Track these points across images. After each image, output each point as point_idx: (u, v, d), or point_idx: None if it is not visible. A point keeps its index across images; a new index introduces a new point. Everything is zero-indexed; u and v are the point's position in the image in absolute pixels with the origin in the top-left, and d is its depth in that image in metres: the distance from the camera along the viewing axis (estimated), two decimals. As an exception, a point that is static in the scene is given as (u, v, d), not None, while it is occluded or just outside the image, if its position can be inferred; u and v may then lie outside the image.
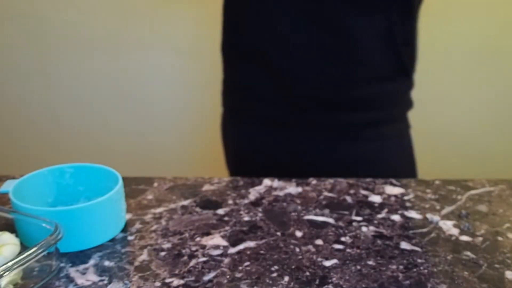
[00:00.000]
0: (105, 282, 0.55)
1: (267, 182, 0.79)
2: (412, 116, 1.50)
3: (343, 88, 0.84)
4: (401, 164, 0.94)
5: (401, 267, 0.58)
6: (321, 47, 0.82)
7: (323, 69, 0.83)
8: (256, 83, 0.89)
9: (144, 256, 0.59)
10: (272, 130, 0.91)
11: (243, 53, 0.91)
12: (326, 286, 0.54)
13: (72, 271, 0.56)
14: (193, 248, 0.61)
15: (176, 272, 0.56)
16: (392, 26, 0.83)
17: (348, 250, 0.61)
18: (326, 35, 0.81)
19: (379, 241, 0.63)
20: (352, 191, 0.77)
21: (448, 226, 0.67)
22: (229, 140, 1.02)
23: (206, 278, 0.55)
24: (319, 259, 0.59)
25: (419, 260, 0.59)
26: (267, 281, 0.55)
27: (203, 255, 0.60)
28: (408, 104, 0.94)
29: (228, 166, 1.07)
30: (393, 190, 0.77)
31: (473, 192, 0.77)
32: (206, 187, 0.78)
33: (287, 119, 0.89)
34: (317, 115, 0.87)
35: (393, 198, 0.75)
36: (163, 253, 0.60)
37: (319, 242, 0.63)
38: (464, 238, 0.64)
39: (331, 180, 0.80)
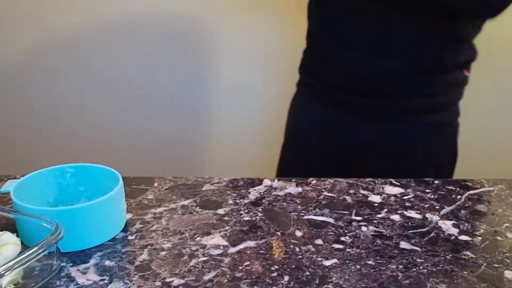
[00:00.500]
0: (106, 281, 0.55)
1: (267, 182, 0.80)
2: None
3: (389, 80, 0.94)
4: (448, 148, 1.03)
5: (400, 266, 0.58)
6: (377, 47, 0.92)
7: (371, 61, 0.93)
8: (319, 70, 1.02)
9: (144, 255, 0.60)
10: (337, 111, 1.00)
11: (318, 49, 1.03)
12: (326, 286, 0.54)
13: (73, 271, 0.57)
14: (193, 248, 0.61)
15: (177, 271, 0.57)
16: (436, 30, 0.91)
17: (348, 249, 0.61)
18: (380, 37, 0.91)
19: (378, 241, 0.63)
20: (351, 191, 0.77)
21: (448, 226, 0.67)
22: (294, 115, 1.11)
23: (206, 277, 0.56)
24: (319, 258, 0.59)
25: (418, 260, 0.59)
26: (267, 280, 0.55)
27: (203, 255, 0.60)
28: (459, 95, 1.03)
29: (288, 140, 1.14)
30: (392, 190, 0.78)
31: (472, 192, 0.78)
32: (206, 187, 0.78)
33: (351, 103, 0.98)
34: (374, 101, 0.96)
35: (392, 198, 0.75)
36: (163, 253, 0.60)
37: (319, 242, 0.63)
38: (463, 237, 0.65)
39: (331, 180, 0.80)
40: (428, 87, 0.95)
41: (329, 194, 0.76)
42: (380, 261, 0.59)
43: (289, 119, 1.13)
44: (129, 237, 0.63)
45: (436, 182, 0.80)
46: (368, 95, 0.96)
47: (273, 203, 0.73)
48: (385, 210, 0.71)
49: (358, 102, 0.97)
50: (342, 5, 0.93)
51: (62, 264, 0.57)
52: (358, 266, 0.58)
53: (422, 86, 0.95)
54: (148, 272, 0.56)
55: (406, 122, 0.97)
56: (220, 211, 0.70)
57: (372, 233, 0.65)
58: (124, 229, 0.65)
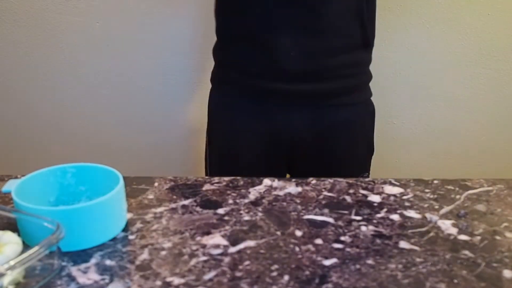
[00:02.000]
0: (106, 281, 0.55)
1: (267, 182, 0.80)
2: (412, 116, 1.51)
3: (318, 58, 0.99)
4: (369, 125, 1.13)
5: (400, 266, 0.58)
6: (298, 23, 0.96)
7: (301, 41, 0.97)
8: (246, 60, 1.02)
9: (145, 255, 0.60)
10: (257, 100, 1.04)
11: (233, 33, 1.04)
12: (325, 285, 0.55)
13: (74, 270, 0.57)
14: (194, 248, 0.62)
15: (177, 271, 0.57)
16: (360, 4, 0.99)
17: (348, 249, 0.62)
18: (302, 12, 0.95)
19: (378, 241, 0.64)
20: (351, 191, 0.77)
21: (447, 226, 0.68)
22: (218, 114, 1.12)
23: (206, 277, 0.56)
24: (319, 258, 0.60)
25: (418, 259, 0.60)
26: (267, 280, 0.55)
27: (204, 254, 0.60)
28: (370, 75, 1.11)
29: (211, 142, 1.15)
30: (392, 189, 0.78)
31: (471, 191, 0.78)
32: (207, 187, 0.78)
33: (273, 90, 1.01)
34: (298, 85, 1.00)
35: (392, 198, 0.75)
36: (163, 252, 0.60)
37: (318, 241, 0.63)
38: (463, 237, 0.65)
39: (331, 180, 0.81)
40: (353, 67, 1.04)
41: (329, 194, 0.76)
42: (379, 261, 0.59)
43: (215, 118, 1.13)
44: (130, 237, 0.64)
45: (435, 182, 0.81)
46: (296, 80, 0.99)
47: (273, 203, 0.73)
48: (385, 209, 0.72)
49: (287, 89, 1.00)
50: None
51: (63, 264, 0.58)
52: (357, 266, 0.58)
53: (348, 65, 1.02)
54: (149, 272, 0.57)
55: (335, 104, 1.04)
56: (220, 211, 0.71)
57: (371, 233, 0.65)
58: (125, 229, 0.65)
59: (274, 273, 0.57)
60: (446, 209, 0.72)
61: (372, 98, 1.12)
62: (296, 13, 0.95)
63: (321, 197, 0.75)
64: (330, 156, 1.07)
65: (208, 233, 0.65)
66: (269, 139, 1.05)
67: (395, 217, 0.70)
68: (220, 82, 1.10)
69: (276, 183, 0.79)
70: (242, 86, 1.04)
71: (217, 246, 0.62)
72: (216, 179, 0.80)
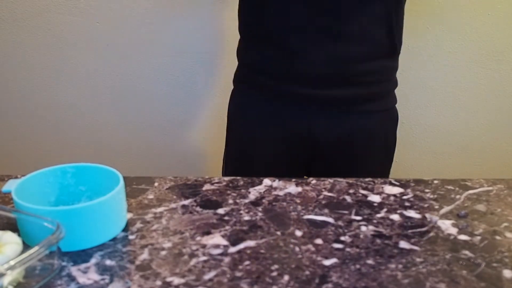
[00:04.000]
0: (106, 281, 0.55)
1: (267, 182, 0.80)
2: (412, 116, 1.51)
3: (343, 64, 0.96)
4: (392, 133, 1.09)
5: (400, 266, 0.58)
6: (323, 28, 0.93)
7: (325, 47, 0.94)
8: (267, 62, 0.99)
9: (145, 255, 0.60)
10: (279, 103, 1.01)
11: (254, 33, 1.02)
12: (325, 285, 0.55)
13: (74, 270, 0.57)
14: (194, 248, 0.62)
15: (177, 271, 0.57)
16: (389, 13, 0.96)
17: (348, 249, 0.62)
18: (328, 18, 0.92)
19: (378, 241, 0.64)
20: (351, 191, 0.77)
21: (447, 226, 0.68)
22: (238, 115, 1.09)
23: (206, 277, 0.56)
24: (319, 258, 0.60)
25: (418, 259, 0.60)
26: (267, 280, 0.55)
27: (204, 254, 0.60)
28: (396, 82, 1.08)
29: (228, 144, 1.13)
30: (392, 189, 0.78)
31: (471, 191, 0.78)
32: (207, 187, 0.78)
33: (295, 94, 0.99)
34: (321, 91, 0.98)
35: (392, 198, 0.75)
36: (163, 252, 0.60)
37: (318, 241, 0.63)
38: (463, 237, 0.65)
39: (331, 180, 0.81)
40: (379, 74, 1.00)
41: (329, 194, 0.76)
42: (379, 261, 0.59)
43: (235, 120, 1.11)
44: (130, 237, 0.64)
45: (435, 182, 0.81)
46: (319, 85, 0.97)
47: (273, 203, 0.73)
48: (385, 209, 0.72)
49: (309, 93, 0.98)
50: None
51: (63, 264, 0.58)
52: (357, 266, 0.58)
53: (373, 72, 0.99)
54: (149, 272, 0.57)
55: (359, 110, 1.01)
56: (220, 211, 0.71)
57: (371, 233, 0.65)
58: (125, 229, 0.65)
59: (274, 273, 0.57)
60: (446, 209, 0.72)
61: None
62: (322, 19, 0.92)
63: (321, 197, 0.75)
64: (350, 162, 1.04)
65: (208, 233, 0.65)
66: (289, 142, 1.03)
67: (395, 217, 0.70)
68: (242, 83, 1.08)
69: (276, 183, 0.79)
70: (264, 88, 1.02)
71: (217, 246, 0.62)
72: (216, 178, 0.80)
